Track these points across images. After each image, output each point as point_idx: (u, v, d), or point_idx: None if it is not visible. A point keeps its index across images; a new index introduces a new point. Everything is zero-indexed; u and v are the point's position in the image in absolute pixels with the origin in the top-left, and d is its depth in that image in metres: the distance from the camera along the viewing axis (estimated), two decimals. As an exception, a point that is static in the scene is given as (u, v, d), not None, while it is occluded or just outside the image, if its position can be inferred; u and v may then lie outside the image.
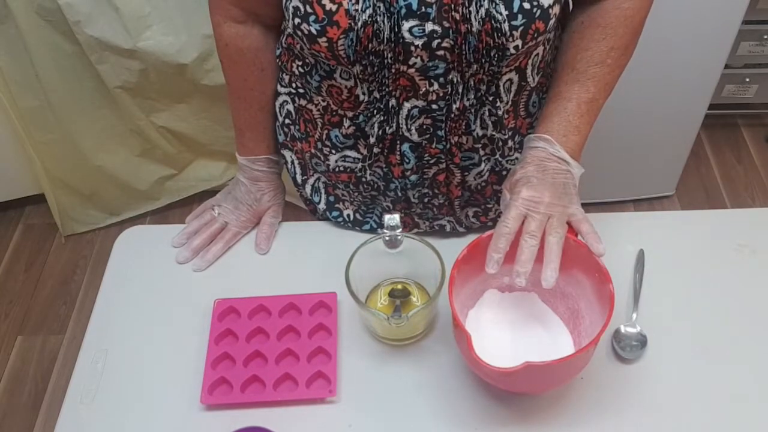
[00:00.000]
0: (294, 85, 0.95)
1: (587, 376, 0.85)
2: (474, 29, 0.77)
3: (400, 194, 0.98)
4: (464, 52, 0.80)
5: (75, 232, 2.16)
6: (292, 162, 1.05)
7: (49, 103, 1.83)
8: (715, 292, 0.96)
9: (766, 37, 1.96)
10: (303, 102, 0.95)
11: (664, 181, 2.14)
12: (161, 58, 1.73)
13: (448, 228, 1.05)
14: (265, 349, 0.91)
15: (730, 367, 0.89)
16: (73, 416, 0.87)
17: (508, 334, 0.88)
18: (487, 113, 0.89)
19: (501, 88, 0.86)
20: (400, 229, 0.89)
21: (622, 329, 0.91)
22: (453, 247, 0.86)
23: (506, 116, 0.91)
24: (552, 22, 0.79)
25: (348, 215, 1.06)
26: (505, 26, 0.76)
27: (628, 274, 0.97)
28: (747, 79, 2.08)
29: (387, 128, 0.89)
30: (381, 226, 1.02)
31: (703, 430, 0.84)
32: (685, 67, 1.75)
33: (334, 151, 0.96)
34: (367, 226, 1.06)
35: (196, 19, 1.69)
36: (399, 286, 0.95)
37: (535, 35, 0.79)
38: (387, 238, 0.89)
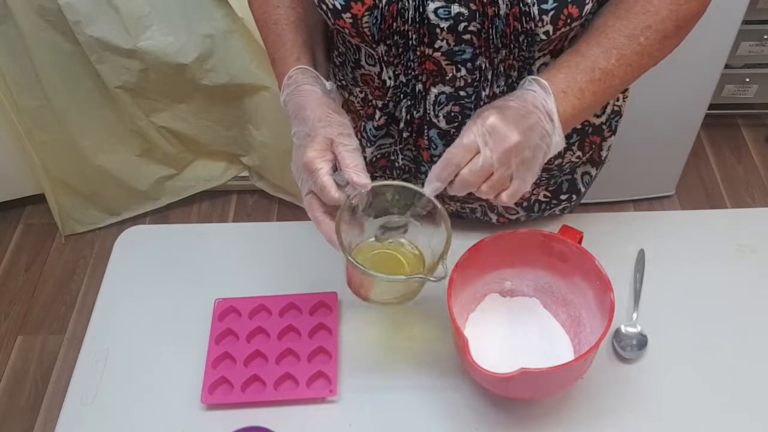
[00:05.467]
0: (337, 78, 0.94)
1: (587, 376, 0.84)
2: (501, 12, 0.73)
3: None
4: (491, 37, 0.76)
5: (75, 232, 2.16)
6: None
7: (49, 103, 1.83)
8: (716, 292, 0.96)
9: (766, 37, 1.95)
10: (346, 95, 0.94)
11: (664, 181, 2.13)
12: (161, 58, 1.73)
13: (478, 212, 1.02)
14: (266, 349, 0.91)
15: (730, 367, 0.89)
16: (74, 416, 0.87)
17: (508, 339, 0.88)
18: None
19: (534, 73, 0.80)
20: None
21: (623, 329, 0.91)
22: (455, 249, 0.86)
23: None
24: (588, 7, 0.73)
25: None
26: (534, 10, 0.72)
27: (628, 274, 0.97)
28: (747, 79, 2.08)
29: (414, 113, 0.86)
30: None
31: (704, 430, 0.84)
32: (685, 67, 1.74)
33: (369, 144, 0.94)
34: None
35: (196, 19, 1.69)
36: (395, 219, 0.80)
37: (568, 21, 0.73)
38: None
